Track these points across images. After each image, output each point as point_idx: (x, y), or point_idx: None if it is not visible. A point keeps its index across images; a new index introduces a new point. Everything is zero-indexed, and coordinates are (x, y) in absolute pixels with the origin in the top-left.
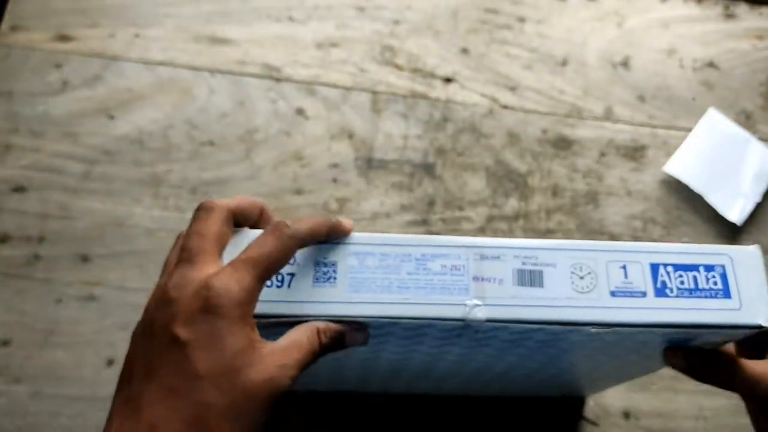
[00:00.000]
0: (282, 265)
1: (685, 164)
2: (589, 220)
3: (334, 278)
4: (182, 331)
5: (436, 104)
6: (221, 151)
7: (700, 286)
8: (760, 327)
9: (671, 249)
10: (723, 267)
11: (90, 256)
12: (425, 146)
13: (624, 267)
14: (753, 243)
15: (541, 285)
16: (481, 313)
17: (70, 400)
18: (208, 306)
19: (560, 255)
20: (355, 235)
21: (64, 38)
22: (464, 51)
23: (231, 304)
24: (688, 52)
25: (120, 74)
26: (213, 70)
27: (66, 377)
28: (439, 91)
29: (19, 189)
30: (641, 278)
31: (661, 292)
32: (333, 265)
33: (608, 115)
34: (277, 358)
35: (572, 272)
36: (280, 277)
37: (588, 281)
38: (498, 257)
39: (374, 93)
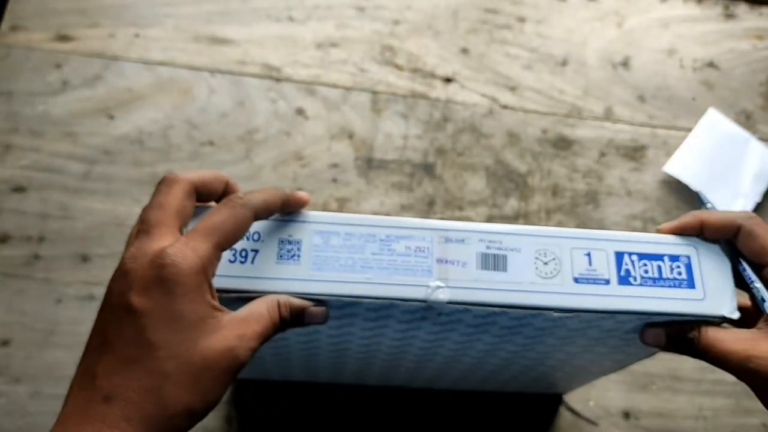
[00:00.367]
0: (238, 235)
1: (685, 164)
2: (589, 220)
3: (298, 256)
4: (137, 301)
5: (436, 104)
6: (221, 151)
7: (664, 276)
8: (724, 318)
9: (637, 238)
10: (688, 257)
11: (90, 256)
12: (425, 146)
13: (588, 254)
14: None
15: (504, 269)
16: (443, 295)
17: None
18: (162, 275)
19: (525, 240)
20: (321, 214)
21: (64, 38)
22: (464, 51)
23: (186, 272)
24: (688, 52)
25: (120, 74)
26: (213, 70)
27: (66, 377)
28: (439, 91)
29: (19, 189)
30: (605, 266)
31: (624, 280)
32: (297, 242)
33: (608, 115)
34: (236, 328)
35: (536, 258)
36: (244, 253)
37: (552, 267)
38: (462, 240)
39: (374, 93)
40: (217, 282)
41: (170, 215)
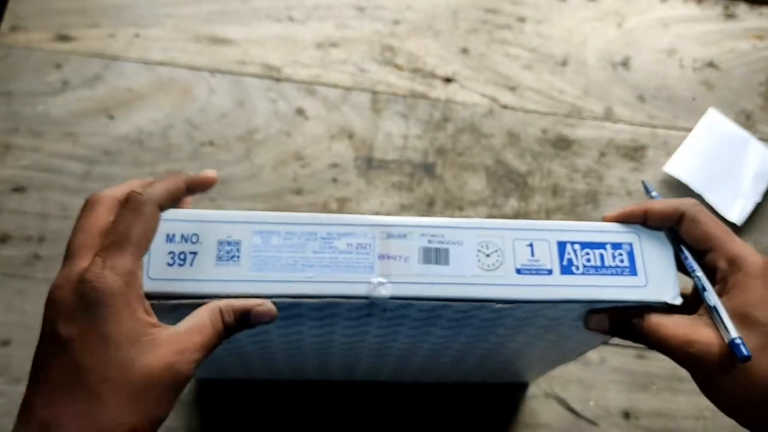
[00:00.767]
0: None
1: (685, 164)
2: (589, 219)
3: (238, 257)
4: (64, 329)
5: (436, 104)
6: (221, 151)
7: (606, 264)
8: (666, 304)
9: (580, 227)
10: (630, 245)
11: None
12: (425, 146)
13: (531, 245)
14: (753, 243)
15: (446, 263)
16: (385, 291)
17: None
18: (86, 301)
19: (467, 233)
20: (260, 214)
21: (64, 38)
22: (464, 51)
23: (109, 293)
24: (688, 52)
25: (120, 74)
26: (213, 70)
27: None
28: (439, 91)
29: (19, 189)
30: (548, 256)
31: (567, 269)
32: (236, 243)
33: (608, 115)
34: (175, 343)
35: (479, 250)
36: (182, 256)
37: (494, 259)
38: (404, 235)
39: (374, 93)
40: (155, 286)
41: (92, 237)
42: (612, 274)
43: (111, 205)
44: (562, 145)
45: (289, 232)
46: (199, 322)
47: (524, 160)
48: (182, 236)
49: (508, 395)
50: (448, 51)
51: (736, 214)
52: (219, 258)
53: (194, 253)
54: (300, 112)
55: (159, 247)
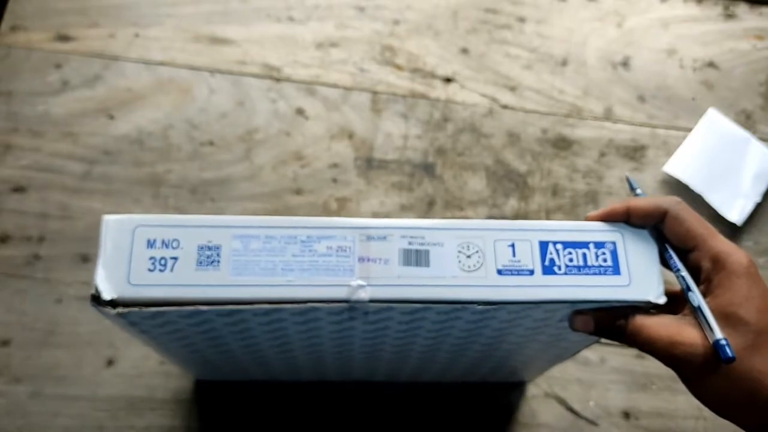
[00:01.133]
0: None
1: (685, 164)
2: None
3: (218, 261)
4: None
5: (436, 104)
6: (221, 151)
7: (589, 263)
8: (650, 303)
9: (562, 227)
10: (614, 244)
11: (90, 256)
12: (425, 146)
13: (512, 245)
14: (753, 243)
15: (427, 264)
16: (365, 294)
17: (70, 400)
18: None
19: (448, 234)
20: (240, 218)
21: (64, 38)
22: (464, 51)
23: None
24: (688, 52)
25: (120, 74)
26: (213, 70)
27: (66, 377)
28: (439, 91)
29: (19, 189)
30: (529, 256)
31: (549, 269)
32: (217, 248)
33: (608, 115)
34: None
35: (459, 251)
36: (163, 261)
37: (475, 260)
38: (384, 238)
39: (374, 93)
40: (136, 292)
41: None
42: (595, 274)
43: None
44: (562, 145)
45: (268, 236)
46: None
47: (524, 160)
48: (163, 242)
49: (508, 395)
50: (448, 51)
51: (736, 214)
52: (199, 263)
53: (175, 258)
54: (300, 112)
55: (140, 253)
